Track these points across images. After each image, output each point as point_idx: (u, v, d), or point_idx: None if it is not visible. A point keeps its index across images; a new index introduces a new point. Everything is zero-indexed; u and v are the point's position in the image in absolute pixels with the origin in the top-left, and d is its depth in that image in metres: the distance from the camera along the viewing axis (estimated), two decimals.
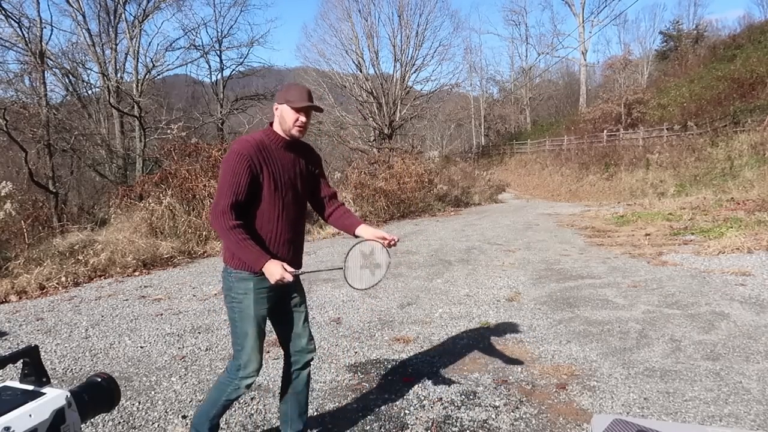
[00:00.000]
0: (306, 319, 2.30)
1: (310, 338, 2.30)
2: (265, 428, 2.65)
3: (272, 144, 2.08)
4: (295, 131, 2.09)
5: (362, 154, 20.00)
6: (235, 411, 2.81)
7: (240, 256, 1.98)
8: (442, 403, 2.85)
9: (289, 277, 1.92)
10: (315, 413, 2.77)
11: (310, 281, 5.79)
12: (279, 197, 2.07)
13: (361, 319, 4.45)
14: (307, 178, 2.22)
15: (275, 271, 1.92)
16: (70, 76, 19.34)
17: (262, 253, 1.95)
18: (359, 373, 3.30)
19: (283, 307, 2.23)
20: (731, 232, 7.63)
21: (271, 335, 4.07)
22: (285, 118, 2.07)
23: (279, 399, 2.41)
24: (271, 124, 2.14)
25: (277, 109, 2.09)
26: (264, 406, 2.87)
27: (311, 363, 2.33)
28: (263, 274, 1.99)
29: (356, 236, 2.26)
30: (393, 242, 2.16)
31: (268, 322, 2.21)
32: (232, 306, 2.11)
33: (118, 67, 20.30)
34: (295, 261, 2.21)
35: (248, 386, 2.14)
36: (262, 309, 2.10)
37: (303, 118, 2.09)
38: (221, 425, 2.67)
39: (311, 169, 2.25)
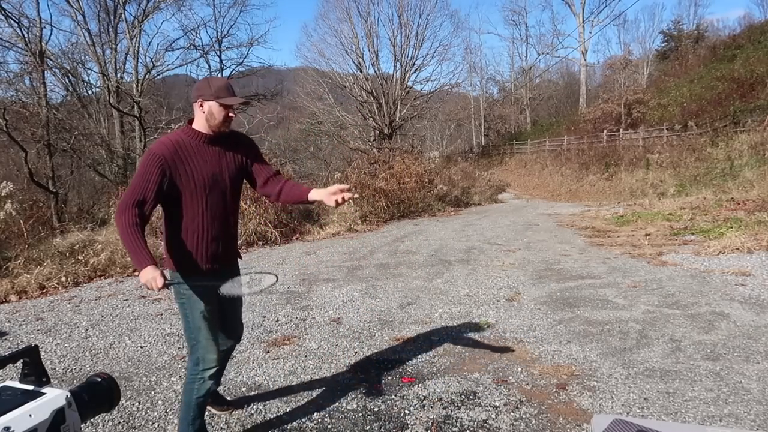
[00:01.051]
0: (238, 309, 2.40)
1: (235, 328, 2.41)
2: (265, 428, 2.65)
3: (192, 142, 2.05)
4: (224, 127, 2.09)
5: (362, 154, 19.99)
6: (234, 411, 2.81)
7: (129, 254, 1.97)
8: (442, 403, 2.85)
9: (155, 286, 1.89)
10: (315, 413, 2.77)
11: (310, 281, 5.79)
12: (201, 194, 2.05)
13: (361, 319, 4.45)
14: (237, 168, 2.19)
15: (146, 276, 1.89)
16: (70, 76, 19.34)
17: (145, 257, 1.91)
18: (359, 373, 3.30)
19: (223, 302, 2.24)
20: (731, 232, 7.63)
21: (271, 335, 4.08)
22: (214, 115, 2.04)
23: None
24: (191, 122, 2.10)
25: (201, 105, 2.04)
26: (264, 406, 2.87)
27: (233, 349, 2.45)
28: (195, 272, 2.08)
29: (310, 201, 2.22)
30: (345, 197, 2.10)
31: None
32: (182, 302, 2.16)
33: (118, 67, 20.30)
34: (227, 256, 2.22)
35: (212, 376, 2.17)
36: (209, 303, 2.13)
37: (232, 114, 2.09)
38: (221, 425, 2.67)
39: (241, 158, 2.21)
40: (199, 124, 2.08)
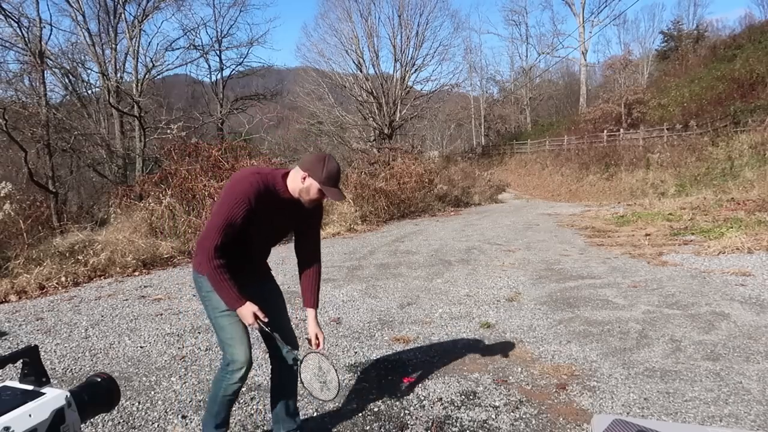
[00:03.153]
0: (284, 317, 2.36)
1: (291, 337, 2.34)
2: (265, 428, 2.65)
3: (277, 193, 2.09)
4: (309, 204, 2.13)
5: (362, 154, 19.99)
6: (235, 411, 2.81)
7: (217, 293, 2.02)
8: (442, 403, 2.84)
9: (255, 326, 2.02)
10: (315, 413, 2.77)
11: None
12: (257, 230, 2.10)
13: (361, 319, 4.45)
14: (297, 224, 2.27)
15: (246, 315, 2.01)
16: (70, 76, 19.34)
17: (237, 297, 2.00)
18: (359, 373, 3.30)
19: (260, 302, 2.22)
20: (731, 233, 7.63)
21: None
22: (309, 193, 2.07)
23: (270, 399, 2.45)
24: (286, 173, 2.11)
25: (305, 178, 2.04)
26: (264, 406, 2.86)
27: (296, 363, 2.32)
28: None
29: (306, 305, 2.35)
30: (316, 345, 2.25)
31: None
32: (206, 304, 2.17)
33: (117, 67, 20.28)
34: (258, 273, 2.31)
35: (242, 378, 2.16)
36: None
37: (321, 200, 2.12)
38: None
39: (305, 220, 2.26)
40: (292, 186, 2.10)
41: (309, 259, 2.34)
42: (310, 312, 2.31)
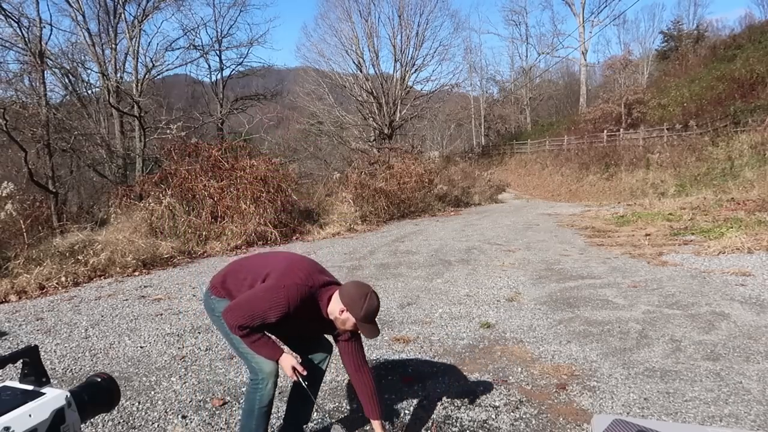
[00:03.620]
0: (323, 339, 2.40)
1: (322, 344, 2.37)
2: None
3: (318, 310, 2.11)
4: (341, 332, 2.16)
5: (362, 154, 19.99)
6: (235, 411, 2.81)
7: (255, 352, 2.08)
8: (442, 403, 2.84)
9: (301, 370, 2.06)
10: (315, 413, 2.77)
11: None
12: (284, 331, 2.19)
13: None
14: (322, 334, 2.34)
15: (286, 367, 2.07)
16: (70, 76, 19.33)
17: (276, 348, 2.07)
18: None
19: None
20: (731, 233, 7.63)
21: None
22: (345, 324, 2.08)
23: (289, 395, 2.47)
24: (330, 298, 2.10)
25: (343, 312, 2.04)
26: None
27: (326, 361, 2.37)
28: None
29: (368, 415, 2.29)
30: None
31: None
32: (221, 323, 2.16)
33: (117, 67, 20.27)
34: None
35: (274, 384, 2.16)
36: None
37: (356, 331, 2.14)
38: (221, 425, 2.67)
39: (337, 335, 2.25)
40: (331, 313, 2.10)
41: (359, 365, 2.26)
42: (376, 424, 2.22)
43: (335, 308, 2.06)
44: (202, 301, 2.29)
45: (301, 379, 2.07)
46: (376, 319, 2.08)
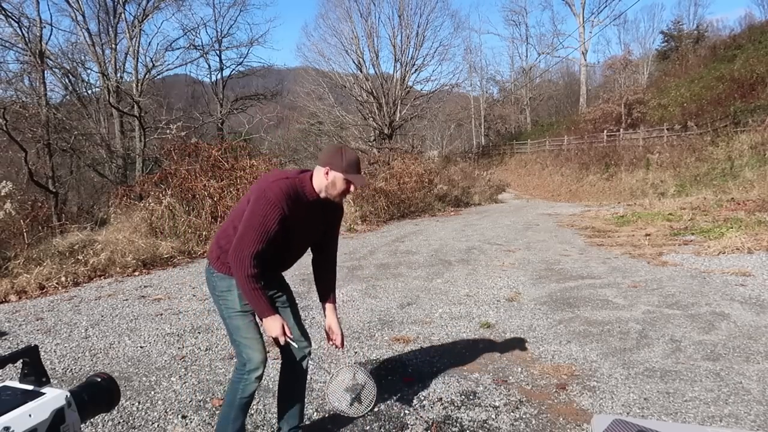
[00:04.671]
0: (296, 316, 2.33)
1: (303, 333, 2.33)
2: (265, 428, 2.65)
3: (305, 196, 2.09)
4: (339, 199, 2.14)
5: (362, 154, 19.99)
6: None
7: (248, 301, 2.04)
8: (442, 403, 2.84)
9: (282, 341, 2.02)
10: (315, 413, 2.77)
11: (310, 281, 5.77)
12: (290, 238, 2.11)
13: (361, 319, 4.45)
14: (325, 229, 2.29)
15: (274, 329, 2.01)
16: (70, 76, 19.34)
17: (268, 307, 2.02)
18: None
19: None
20: (731, 233, 7.63)
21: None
22: (336, 186, 2.07)
23: (277, 396, 2.44)
24: (311, 176, 2.11)
25: (328, 174, 2.05)
26: (264, 406, 2.87)
27: (306, 358, 2.34)
28: None
29: (324, 304, 2.37)
30: (336, 343, 2.30)
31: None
32: (219, 303, 2.16)
33: (117, 67, 20.29)
34: (282, 280, 2.34)
35: (258, 378, 2.15)
36: (247, 304, 2.12)
37: (352, 189, 2.12)
38: None
39: (330, 221, 2.29)
40: (317, 186, 2.10)
41: (328, 257, 2.37)
42: (329, 307, 2.34)
43: (320, 176, 2.07)
44: (205, 277, 2.25)
45: (291, 342, 2.04)
46: (359, 169, 2.09)
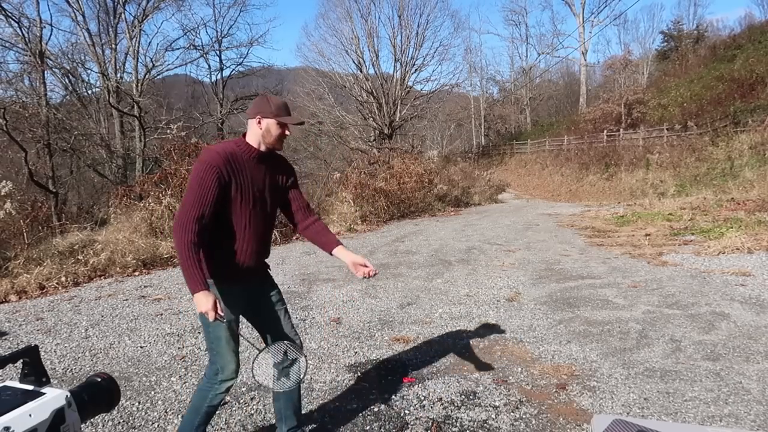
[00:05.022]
0: (287, 316, 2.31)
1: (295, 334, 2.31)
2: (265, 428, 2.65)
3: (244, 155, 2.05)
4: (279, 145, 2.10)
5: (362, 154, 19.99)
6: (234, 411, 2.81)
7: (183, 272, 1.93)
8: (442, 403, 2.84)
9: (212, 317, 1.87)
10: (315, 413, 2.77)
11: (310, 281, 5.79)
12: (246, 209, 2.05)
13: (361, 319, 4.45)
14: (278, 190, 2.20)
15: (203, 304, 1.86)
16: (70, 76, 19.35)
17: (199, 281, 1.88)
18: (359, 373, 3.30)
19: (258, 308, 2.24)
20: (731, 233, 7.63)
21: None
22: (271, 132, 2.05)
23: (272, 396, 2.42)
24: (244, 135, 2.10)
25: (259, 122, 2.04)
26: (264, 406, 2.87)
27: (299, 360, 2.32)
28: (229, 281, 2.06)
29: (333, 255, 2.25)
30: (370, 273, 2.16)
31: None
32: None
33: (117, 67, 20.30)
34: (261, 270, 2.24)
35: (228, 389, 2.15)
36: (232, 313, 2.10)
37: (288, 132, 2.09)
38: (221, 426, 2.67)
39: (283, 181, 2.22)
40: (253, 140, 2.08)
41: (308, 216, 2.28)
42: (340, 249, 2.21)
43: (253, 128, 2.06)
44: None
45: (219, 319, 1.89)
46: (289, 111, 2.07)
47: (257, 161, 2.08)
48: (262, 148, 2.08)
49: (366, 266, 2.16)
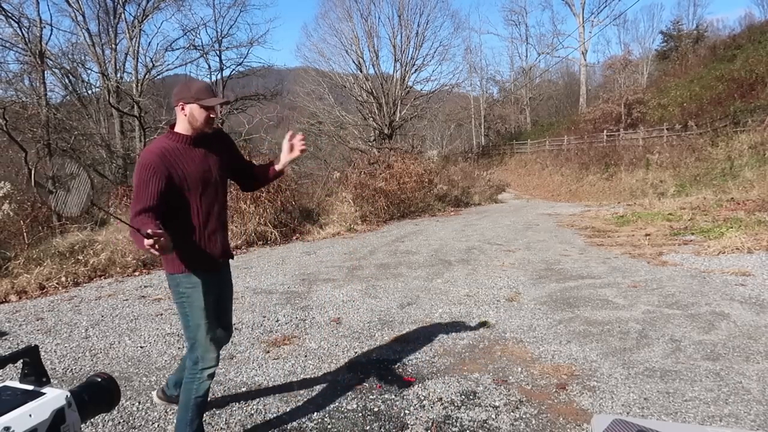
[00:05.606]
0: (232, 307, 2.46)
1: (230, 326, 2.45)
2: (265, 428, 2.65)
3: (178, 145, 2.09)
4: (207, 128, 2.13)
5: (362, 154, 19.99)
6: (234, 411, 2.81)
7: (135, 241, 1.90)
8: (442, 403, 2.84)
9: (152, 250, 1.76)
10: (315, 413, 2.77)
11: (310, 281, 5.79)
12: (195, 194, 2.11)
13: (361, 319, 4.45)
14: (223, 165, 2.26)
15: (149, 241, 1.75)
16: (70, 76, 19.35)
17: (142, 240, 1.81)
18: (359, 373, 3.30)
19: (220, 296, 2.33)
20: (731, 233, 7.63)
21: (271, 335, 4.08)
22: (196, 117, 2.08)
23: (179, 367, 2.56)
24: (172, 126, 2.13)
25: (183, 108, 2.07)
26: (264, 406, 2.87)
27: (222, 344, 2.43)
28: (203, 269, 2.15)
29: (280, 172, 2.37)
30: (300, 140, 2.27)
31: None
32: (182, 302, 2.18)
33: (117, 67, 20.30)
34: (225, 249, 2.30)
35: (211, 375, 2.20)
36: (209, 300, 2.17)
37: (213, 115, 2.12)
38: (221, 426, 2.67)
39: (224, 155, 2.28)
40: (182, 127, 2.12)
41: (252, 170, 2.40)
42: (276, 163, 2.35)
43: (179, 116, 2.10)
44: (168, 284, 2.31)
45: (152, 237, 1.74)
46: (211, 93, 2.10)
47: (192, 146, 2.12)
48: (191, 133, 2.11)
49: (293, 140, 2.27)
